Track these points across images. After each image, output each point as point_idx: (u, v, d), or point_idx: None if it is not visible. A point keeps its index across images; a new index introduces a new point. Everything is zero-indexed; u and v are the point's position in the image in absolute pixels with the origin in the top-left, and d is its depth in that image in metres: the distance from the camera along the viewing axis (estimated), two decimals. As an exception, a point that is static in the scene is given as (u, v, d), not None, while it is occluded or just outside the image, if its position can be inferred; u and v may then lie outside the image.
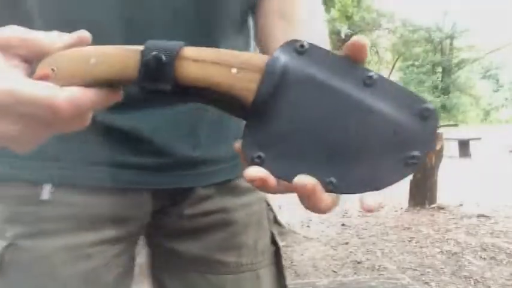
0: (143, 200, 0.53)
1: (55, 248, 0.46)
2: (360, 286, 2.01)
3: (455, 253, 2.82)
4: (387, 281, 2.07)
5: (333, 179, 0.28)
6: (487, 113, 25.96)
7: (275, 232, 0.62)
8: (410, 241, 3.13)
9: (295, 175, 0.27)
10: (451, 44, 25.60)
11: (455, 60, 25.32)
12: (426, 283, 2.37)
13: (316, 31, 0.50)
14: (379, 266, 2.65)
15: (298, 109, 0.29)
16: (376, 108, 0.28)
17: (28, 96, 0.29)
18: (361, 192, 0.28)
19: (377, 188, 0.28)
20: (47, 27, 0.35)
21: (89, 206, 0.48)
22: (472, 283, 2.34)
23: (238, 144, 0.30)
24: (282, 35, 0.45)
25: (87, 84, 0.30)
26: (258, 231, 0.60)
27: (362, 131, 0.28)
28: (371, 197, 0.28)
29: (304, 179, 0.27)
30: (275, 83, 0.29)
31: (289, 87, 0.29)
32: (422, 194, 4.09)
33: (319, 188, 0.28)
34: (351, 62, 0.30)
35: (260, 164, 0.28)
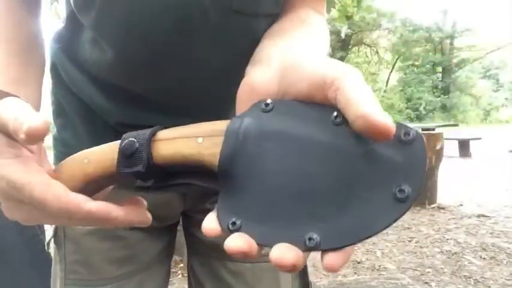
0: (173, 201, 0.60)
1: (89, 230, 0.57)
2: (360, 286, 2.01)
3: (455, 253, 2.82)
4: (387, 281, 2.07)
5: (312, 234, 0.24)
6: (487, 113, 25.94)
7: None
8: (410, 241, 3.13)
9: (275, 239, 0.25)
10: (451, 44, 25.57)
11: (455, 60, 25.29)
12: (426, 283, 2.37)
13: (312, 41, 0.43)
14: (379, 266, 2.65)
15: (265, 166, 0.27)
16: (348, 147, 0.25)
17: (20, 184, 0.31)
18: (349, 243, 0.24)
19: (367, 234, 0.24)
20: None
21: None
22: (472, 283, 2.34)
23: (208, 220, 0.29)
24: (273, 48, 0.41)
25: (87, 182, 0.33)
26: None
27: (338, 175, 0.25)
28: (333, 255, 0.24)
29: (282, 255, 0.24)
30: (237, 142, 0.28)
31: (253, 145, 0.28)
32: (422, 194, 4.09)
33: (301, 259, 0.24)
34: (321, 105, 0.27)
35: (237, 231, 0.27)
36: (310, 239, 0.24)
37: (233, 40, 0.48)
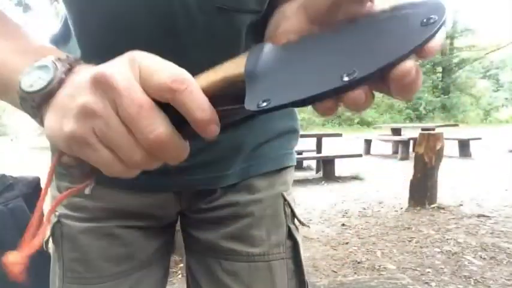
0: (169, 200, 0.61)
1: (86, 228, 0.58)
2: (360, 286, 2.01)
3: (455, 253, 2.82)
4: (387, 281, 2.07)
5: (349, 72, 0.25)
6: (487, 113, 25.92)
7: (293, 227, 0.64)
8: (410, 241, 3.13)
9: (312, 89, 0.26)
10: (451, 43, 25.57)
11: (455, 60, 25.29)
12: (426, 283, 2.37)
13: None
14: (379, 266, 2.65)
15: (289, 56, 0.31)
16: (369, 21, 0.29)
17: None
18: (384, 65, 0.25)
19: (401, 55, 0.24)
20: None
21: (120, 202, 0.58)
22: (472, 283, 2.34)
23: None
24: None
25: None
26: (272, 225, 0.62)
27: (361, 35, 0.28)
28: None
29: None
30: (260, 52, 0.32)
31: (276, 50, 0.32)
32: (422, 194, 4.08)
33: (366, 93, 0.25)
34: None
35: (267, 104, 0.28)
36: (348, 74, 0.25)
37: (220, 39, 0.48)
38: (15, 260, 0.32)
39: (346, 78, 0.25)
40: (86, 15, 0.46)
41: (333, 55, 0.28)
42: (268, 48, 0.32)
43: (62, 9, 0.57)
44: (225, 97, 0.31)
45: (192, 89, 0.28)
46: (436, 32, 0.25)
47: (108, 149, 0.30)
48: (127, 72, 0.28)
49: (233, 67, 0.32)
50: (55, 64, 0.33)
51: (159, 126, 0.28)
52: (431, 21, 0.25)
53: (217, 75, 0.32)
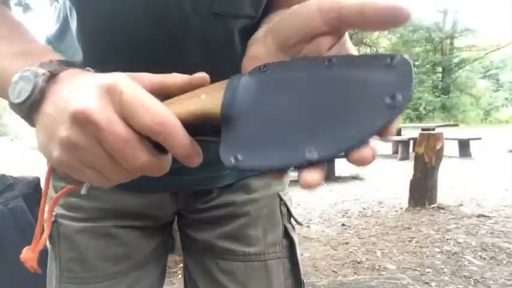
0: (165, 200, 0.61)
1: (82, 228, 0.58)
2: (360, 286, 2.01)
3: (455, 253, 2.83)
4: (387, 281, 2.07)
5: (311, 149, 0.26)
6: (487, 113, 25.90)
7: (289, 226, 0.64)
8: (410, 241, 3.13)
9: (274, 163, 0.27)
10: (451, 44, 25.59)
11: (455, 60, 25.29)
12: (426, 283, 2.37)
13: None
14: (379, 266, 2.65)
15: (263, 106, 0.30)
16: (339, 77, 0.28)
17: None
18: (343, 150, 0.25)
19: (361, 139, 0.25)
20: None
21: (116, 203, 0.58)
22: (472, 283, 2.34)
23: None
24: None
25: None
26: (268, 224, 0.62)
27: (330, 100, 0.27)
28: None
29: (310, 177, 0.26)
30: (236, 92, 0.31)
31: (252, 92, 0.31)
32: (422, 194, 4.09)
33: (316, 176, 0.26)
34: (312, 57, 0.31)
35: (238, 163, 0.29)
36: (309, 151, 0.26)
37: (215, 42, 0.48)
38: (28, 255, 0.39)
39: (308, 156, 0.26)
40: (82, 14, 0.46)
41: (300, 120, 0.28)
42: (244, 84, 0.32)
43: (60, 9, 0.56)
44: (205, 127, 0.33)
45: (172, 130, 0.30)
46: (398, 114, 0.25)
47: (94, 169, 0.32)
48: (107, 107, 0.29)
49: (210, 102, 0.32)
50: (35, 73, 0.33)
51: (142, 155, 0.30)
52: (396, 101, 0.25)
53: (197, 107, 0.32)
